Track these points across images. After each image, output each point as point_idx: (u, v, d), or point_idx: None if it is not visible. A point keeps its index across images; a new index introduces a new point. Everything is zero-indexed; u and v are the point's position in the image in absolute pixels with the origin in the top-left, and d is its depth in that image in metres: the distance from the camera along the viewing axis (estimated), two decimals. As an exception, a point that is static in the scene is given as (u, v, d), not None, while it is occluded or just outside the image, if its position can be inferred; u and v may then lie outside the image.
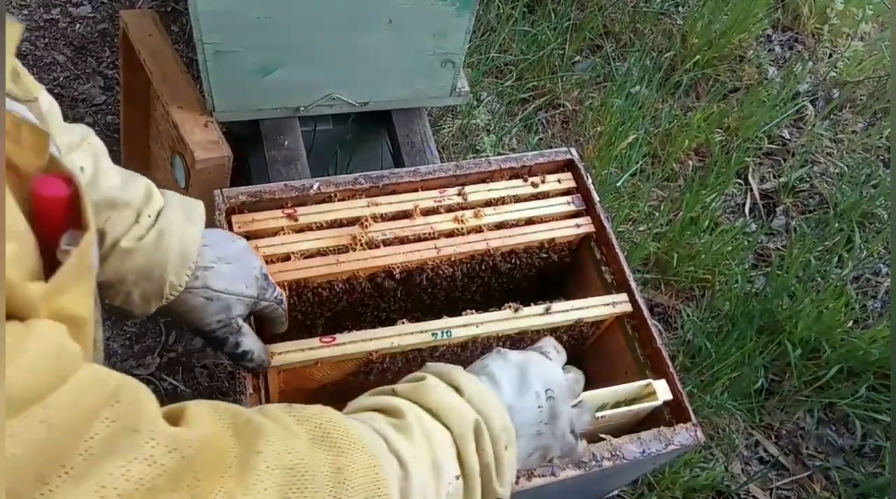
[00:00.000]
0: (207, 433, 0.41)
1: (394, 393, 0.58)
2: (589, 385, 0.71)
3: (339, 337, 0.81)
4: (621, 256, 0.93)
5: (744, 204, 1.95)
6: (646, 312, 0.90)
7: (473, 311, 0.87)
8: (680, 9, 2.28)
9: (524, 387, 0.62)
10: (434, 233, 0.92)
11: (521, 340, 0.89)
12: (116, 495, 0.34)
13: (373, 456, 0.48)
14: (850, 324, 1.70)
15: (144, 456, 0.36)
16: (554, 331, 0.90)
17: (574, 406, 0.65)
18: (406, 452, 0.51)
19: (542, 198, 0.99)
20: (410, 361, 0.86)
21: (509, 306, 0.88)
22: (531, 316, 0.88)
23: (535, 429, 0.61)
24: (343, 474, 0.46)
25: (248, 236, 0.86)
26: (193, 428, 0.41)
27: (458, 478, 0.53)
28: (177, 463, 0.37)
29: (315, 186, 0.91)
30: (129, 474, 0.35)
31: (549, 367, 0.65)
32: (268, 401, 0.79)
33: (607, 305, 0.90)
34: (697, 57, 2.11)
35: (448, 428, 0.54)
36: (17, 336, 0.32)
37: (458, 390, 0.58)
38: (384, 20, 1.13)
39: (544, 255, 0.98)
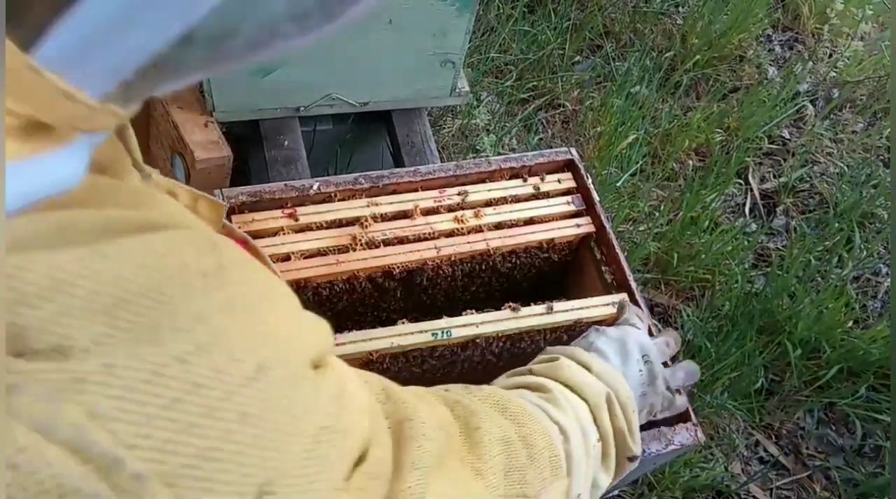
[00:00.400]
0: (447, 413, 0.51)
1: (531, 373, 0.67)
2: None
3: (340, 337, 0.81)
4: (621, 256, 0.93)
5: (744, 204, 1.95)
6: (646, 312, 0.90)
7: (473, 311, 0.87)
8: (680, 9, 2.28)
9: (626, 356, 0.71)
10: (434, 233, 0.92)
11: (521, 340, 0.89)
12: (425, 468, 0.42)
13: (542, 424, 0.57)
14: (850, 324, 1.71)
15: (427, 436, 0.44)
16: (554, 331, 0.90)
17: (666, 366, 0.75)
18: (563, 420, 0.59)
19: (542, 198, 0.99)
20: (410, 362, 0.86)
21: (509, 306, 0.88)
22: (531, 316, 0.88)
23: (641, 390, 0.70)
24: (528, 441, 0.55)
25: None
26: (434, 409, 0.49)
27: (598, 441, 0.62)
28: (444, 437, 0.46)
29: (315, 186, 0.91)
30: (427, 452, 0.43)
31: (641, 335, 0.75)
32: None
33: (607, 305, 0.90)
34: (697, 57, 2.11)
35: (584, 400, 0.63)
36: (336, 379, 0.36)
37: (586, 367, 0.67)
38: (384, 20, 1.13)
39: (544, 255, 0.98)
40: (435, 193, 0.95)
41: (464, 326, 0.85)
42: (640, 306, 0.90)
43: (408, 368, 0.86)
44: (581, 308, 0.90)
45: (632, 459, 0.64)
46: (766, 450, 1.56)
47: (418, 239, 0.92)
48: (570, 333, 0.92)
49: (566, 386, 0.64)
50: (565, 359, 0.67)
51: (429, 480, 0.42)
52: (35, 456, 0.22)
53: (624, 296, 0.90)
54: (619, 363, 0.70)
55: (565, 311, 0.89)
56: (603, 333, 0.74)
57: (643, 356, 0.72)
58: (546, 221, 0.97)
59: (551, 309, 0.88)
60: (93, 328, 0.24)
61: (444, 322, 0.85)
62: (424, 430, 0.44)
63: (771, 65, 2.25)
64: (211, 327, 0.27)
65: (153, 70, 0.26)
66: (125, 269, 0.25)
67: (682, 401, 0.75)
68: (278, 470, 0.29)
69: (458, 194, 0.96)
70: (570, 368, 0.66)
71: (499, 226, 0.95)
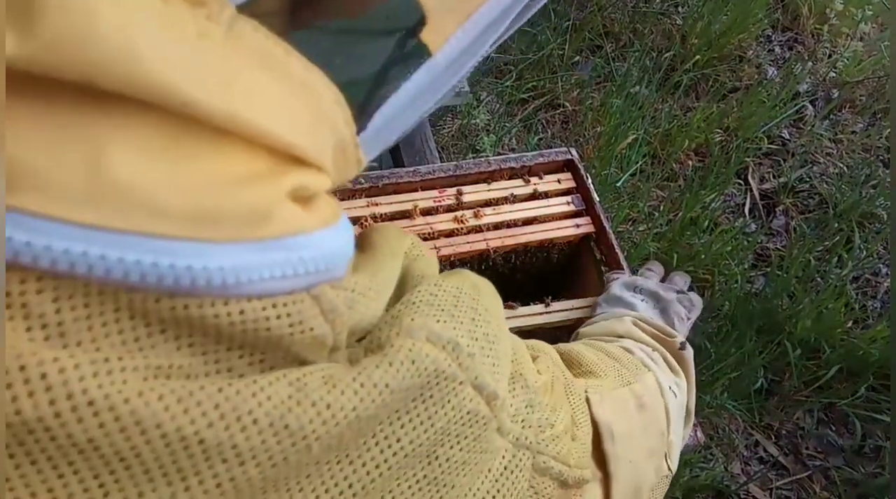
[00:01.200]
0: (539, 342, 0.56)
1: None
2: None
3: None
4: (621, 257, 0.93)
5: (743, 204, 1.95)
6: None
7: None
8: (680, 9, 2.28)
9: (622, 304, 0.78)
10: (434, 233, 0.92)
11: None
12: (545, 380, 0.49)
13: (609, 344, 0.65)
14: (850, 324, 1.71)
15: (547, 353, 0.51)
16: (553, 330, 0.90)
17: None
18: (619, 342, 0.68)
19: (542, 198, 0.99)
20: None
21: (509, 306, 0.88)
22: (530, 315, 0.88)
23: (657, 311, 0.77)
24: (606, 351, 0.63)
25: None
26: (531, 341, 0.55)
27: (653, 350, 0.68)
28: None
29: (315, 186, 0.91)
30: (555, 356, 0.52)
31: (621, 280, 0.82)
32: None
33: None
34: (697, 57, 2.11)
35: (620, 336, 0.71)
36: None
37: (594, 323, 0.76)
38: (384, 20, 1.13)
39: (544, 255, 0.98)
40: (434, 193, 0.95)
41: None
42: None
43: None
44: (581, 308, 0.89)
45: (682, 347, 0.71)
46: (765, 450, 1.56)
47: (418, 239, 0.92)
48: (570, 332, 0.92)
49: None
50: (584, 328, 0.76)
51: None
52: (419, 352, 0.31)
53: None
54: (622, 310, 0.77)
55: (564, 310, 0.89)
56: (596, 306, 0.83)
57: (634, 289, 0.80)
58: (546, 221, 0.97)
59: (548, 305, 0.88)
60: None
61: None
62: (541, 348, 0.52)
63: (770, 65, 2.25)
64: (426, 263, 0.39)
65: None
66: (393, 259, 0.37)
67: (696, 297, 0.81)
68: (510, 350, 0.39)
69: (458, 194, 0.96)
70: (589, 326, 0.75)
71: (498, 226, 0.95)
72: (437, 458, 0.33)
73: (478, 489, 0.36)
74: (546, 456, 0.40)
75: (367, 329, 0.32)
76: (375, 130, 0.32)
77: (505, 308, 0.87)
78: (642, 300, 0.78)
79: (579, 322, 0.89)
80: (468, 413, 0.33)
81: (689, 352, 0.71)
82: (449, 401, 0.32)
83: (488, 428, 0.35)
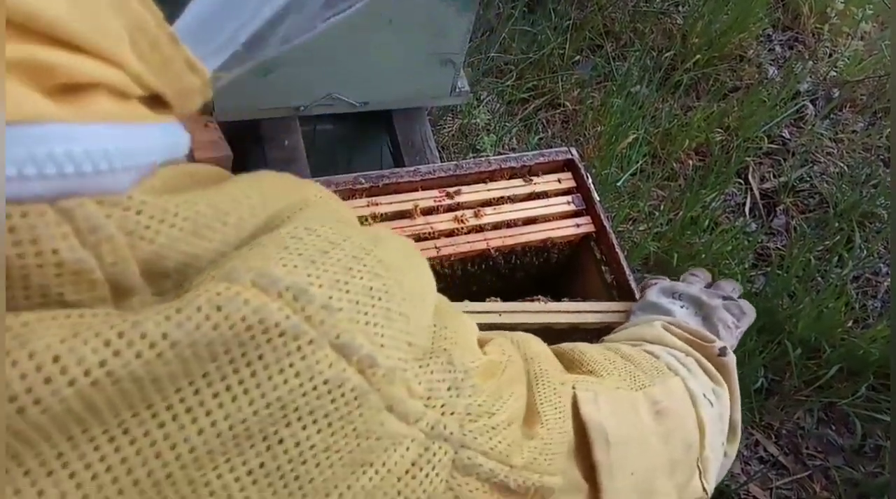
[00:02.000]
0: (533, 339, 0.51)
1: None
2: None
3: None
4: (621, 256, 0.93)
5: (744, 204, 1.95)
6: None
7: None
8: (680, 8, 2.28)
9: (659, 310, 0.71)
10: (434, 233, 0.92)
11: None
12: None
13: (630, 348, 0.59)
14: (850, 324, 1.71)
15: (530, 345, 0.46)
16: (582, 332, 0.87)
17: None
18: (643, 347, 0.61)
19: (542, 197, 0.99)
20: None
21: (537, 300, 0.87)
22: (560, 312, 0.85)
23: (699, 318, 0.70)
24: (623, 354, 0.55)
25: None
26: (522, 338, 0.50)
27: (686, 356, 0.62)
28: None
29: (315, 186, 0.91)
30: (541, 349, 0.47)
31: (659, 286, 0.75)
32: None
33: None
34: (697, 56, 2.11)
35: (648, 342, 0.65)
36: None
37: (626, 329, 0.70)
38: (384, 20, 1.13)
39: (544, 254, 0.98)
40: (435, 192, 0.95)
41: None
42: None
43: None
44: (615, 311, 0.85)
45: (721, 353, 0.64)
46: (765, 450, 1.56)
47: (418, 239, 0.92)
48: (599, 337, 0.89)
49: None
50: (613, 334, 0.70)
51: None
52: (231, 297, 0.24)
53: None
54: (656, 316, 0.70)
55: (597, 311, 0.86)
56: (630, 314, 0.78)
57: (673, 295, 0.73)
58: (546, 221, 0.97)
59: (579, 309, 0.86)
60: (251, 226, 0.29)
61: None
62: (509, 336, 0.47)
63: (771, 64, 2.24)
64: (318, 211, 0.32)
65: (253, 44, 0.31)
66: (256, 196, 0.30)
67: (747, 305, 0.73)
68: (425, 318, 0.33)
69: (458, 194, 0.96)
70: (618, 332, 0.69)
71: (499, 225, 0.95)
72: (280, 442, 0.25)
73: (362, 488, 0.28)
74: (472, 450, 0.33)
75: (192, 275, 0.26)
76: (198, 19, 0.27)
77: (533, 302, 0.85)
78: (682, 306, 0.71)
79: (609, 328, 0.84)
80: (326, 382, 0.26)
81: (731, 359, 0.63)
82: (291, 364, 0.25)
83: (365, 404, 0.27)
